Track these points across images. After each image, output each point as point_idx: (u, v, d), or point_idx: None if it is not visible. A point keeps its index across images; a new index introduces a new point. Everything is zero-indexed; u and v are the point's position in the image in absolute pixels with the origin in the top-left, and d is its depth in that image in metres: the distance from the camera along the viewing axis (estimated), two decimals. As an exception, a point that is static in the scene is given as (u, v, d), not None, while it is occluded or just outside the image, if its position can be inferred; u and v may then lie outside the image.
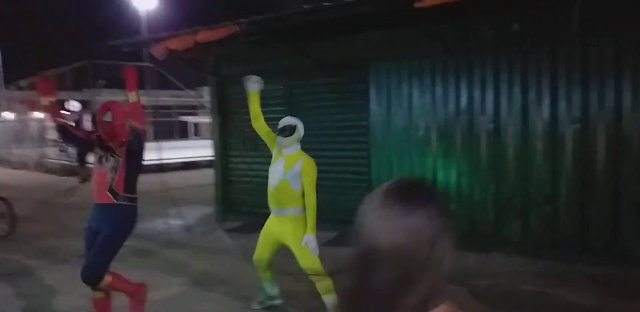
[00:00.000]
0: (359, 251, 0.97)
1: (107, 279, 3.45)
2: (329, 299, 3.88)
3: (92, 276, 3.38)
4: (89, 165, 13.78)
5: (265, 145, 7.67)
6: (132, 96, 3.68)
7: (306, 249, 3.86)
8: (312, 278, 3.84)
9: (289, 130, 3.99)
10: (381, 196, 0.98)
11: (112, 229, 3.42)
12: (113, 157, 3.43)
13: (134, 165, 3.48)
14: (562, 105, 5.29)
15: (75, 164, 14.51)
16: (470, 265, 5.36)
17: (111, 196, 3.43)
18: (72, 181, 13.94)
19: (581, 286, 4.63)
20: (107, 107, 3.46)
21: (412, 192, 0.99)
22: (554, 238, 5.40)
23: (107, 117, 3.38)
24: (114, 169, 3.41)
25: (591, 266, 5.01)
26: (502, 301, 4.41)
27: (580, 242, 5.25)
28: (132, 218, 3.57)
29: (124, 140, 3.43)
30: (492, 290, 4.66)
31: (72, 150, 14.33)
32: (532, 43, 5.40)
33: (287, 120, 4.09)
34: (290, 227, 3.92)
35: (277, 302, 4.38)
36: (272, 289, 4.31)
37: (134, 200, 3.55)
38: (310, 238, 3.87)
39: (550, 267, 5.13)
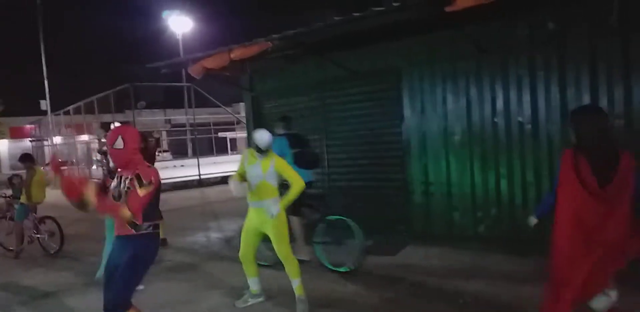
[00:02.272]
0: None
1: None
2: (297, 281, 4.42)
3: (123, 304, 3.27)
4: None
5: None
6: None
7: (283, 237, 4.40)
8: (284, 262, 4.40)
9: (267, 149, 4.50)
10: None
11: (132, 258, 3.26)
12: (127, 189, 3.20)
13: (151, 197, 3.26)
14: (603, 102, 5.13)
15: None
16: (512, 270, 5.22)
17: (130, 227, 3.26)
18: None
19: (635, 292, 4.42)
20: (118, 132, 3.26)
21: None
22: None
23: (118, 144, 3.20)
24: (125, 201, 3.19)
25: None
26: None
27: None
28: (153, 245, 3.39)
29: (136, 169, 3.21)
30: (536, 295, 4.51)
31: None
32: (569, 40, 5.28)
33: (261, 141, 4.46)
34: (266, 215, 4.37)
35: (260, 299, 4.70)
36: (256, 285, 4.67)
37: (156, 227, 3.39)
38: (274, 201, 4.39)
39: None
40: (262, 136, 4.44)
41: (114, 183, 3.34)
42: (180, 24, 29.39)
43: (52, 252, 7.56)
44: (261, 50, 6.37)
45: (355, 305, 4.56)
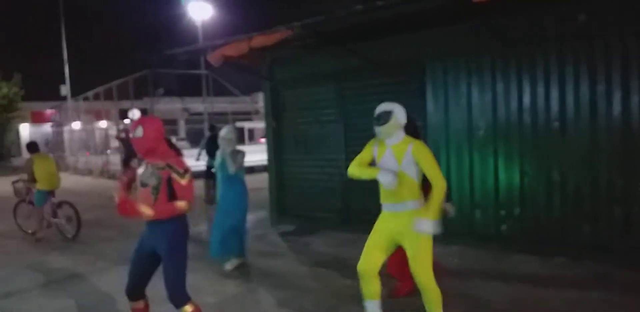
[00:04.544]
0: None
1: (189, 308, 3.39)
2: None
3: (180, 298, 3.36)
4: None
5: (316, 148, 7.67)
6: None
7: (423, 254, 3.44)
8: (421, 290, 3.49)
9: (384, 118, 3.52)
10: None
11: (167, 247, 3.34)
12: (154, 175, 3.32)
13: (173, 188, 3.33)
14: (635, 99, 4.93)
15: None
16: (536, 270, 5.09)
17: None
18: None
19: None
20: (139, 122, 3.40)
21: None
22: (626, 242, 5.04)
23: (139, 133, 3.33)
24: (156, 189, 3.31)
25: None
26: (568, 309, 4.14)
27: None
28: (184, 229, 3.46)
29: (166, 160, 3.34)
30: (560, 298, 4.39)
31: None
32: (600, 34, 5.08)
33: (382, 107, 3.60)
34: (409, 224, 3.43)
35: None
36: (379, 310, 3.68)
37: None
38: (425, 222, 3.35)
39: (621, 273, 4.78)
40: (384, 107, 3.60)
41: (141, 170, 3.44)
42: (200, 11, 29.29)
43: (69, 236, 7.64)
44: (281, 38, 6.25)
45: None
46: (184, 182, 3.30)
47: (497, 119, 5.81)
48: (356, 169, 3.65)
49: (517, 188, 5.70)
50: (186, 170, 3.35)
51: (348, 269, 5.06)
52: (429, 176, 3.44)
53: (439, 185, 3.39)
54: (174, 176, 3.30)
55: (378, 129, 3.54)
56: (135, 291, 3.55)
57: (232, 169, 5.54)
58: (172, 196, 3.34)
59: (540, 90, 5.50)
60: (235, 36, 6.89)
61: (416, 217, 3.40)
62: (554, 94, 5.41)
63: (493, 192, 5.88)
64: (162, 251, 3.36)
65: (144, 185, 3.38)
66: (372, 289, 3.61)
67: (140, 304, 3.61)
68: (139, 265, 3.49)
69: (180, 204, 3.29)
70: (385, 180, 3.39)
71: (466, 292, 4.54)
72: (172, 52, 7.90)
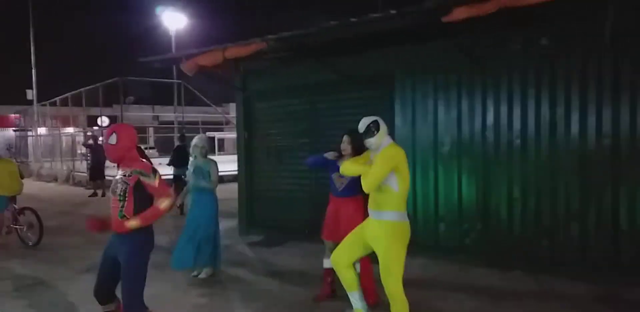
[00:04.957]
0: None
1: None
2: None
3: (135, 308, 3.37)
4: (101, 180, 14.12)
5: (288, 160, 7.74)
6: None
7: (393, 264, 3.53)
8: (389, 299, 3.58)
9: (374, 127, 3.64)
10: None
11: (126, 256, 3.35)
12: (122, 183, 3.39)
13: (143, 193, 3.40)
14: (591, 120, 5.19)
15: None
16: (495, 283, 5.25)
17: (122, 222, 3.37)
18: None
19: (610, 308, 4.48)
20: (114, 129, 3.46)
21: None
22: (583, 256, 5.25)
23: (112, 140, 3.40)
24: (123, 196, 3.37)
25: (621, 287, 4.85)
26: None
27: (610, 262, 5.09)
28: (147, 240, 3.47)
29: (133, 166, 3.40)
30: (514, 309, 4.54)
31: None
32: (561, 56, 5.34)
33: (365, 121, 3.70)
34: (383, 234, 3.57)
35: None
36: (359, 302, 3.89)
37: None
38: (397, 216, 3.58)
39: (579, 286, 4.98)
40: (366, 120, 3.71)
41: (113, 186, 3.48)
42: (173, 21, 29.19)
43: (30, 244, 7.46)
44: (256, 50, 6.35)
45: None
46: (155, 182, 3.38)
47: (462, 135, 6.01)
48: (350, 164, 3.82)
49: (480, 203, 5.88)
50: (154, 171, 3.43)
51: (317, 280, 5.12)
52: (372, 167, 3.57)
53: (365, 180, 3.53)
54: (143, 179, 3.37)
55: (371, 141, 3.64)
56: (102, 293, 3.55)
57: (211, 185, 5.65)
58: (143, 199, 3.39)
59: (504, 108, 5.72)
60: (207, 46, 6.96)
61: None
62: (517, 112, 5.64)
63: (457, 206, 6.05)
64: (122, 260, 3.37)
65: (113, 192, 3.45)
66: (347, 280, 3.84)
67: (110, 307, 3.60)
68: (104, 267, 3.51)
69: (161, 202, 3.38)
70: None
71: (430, 303, 4.65)
72: (146, 60, 7.90)
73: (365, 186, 3.55)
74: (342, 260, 3.84)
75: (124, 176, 3.41)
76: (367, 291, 4.28)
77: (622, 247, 5.05)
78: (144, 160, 3.57)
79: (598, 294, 4.80)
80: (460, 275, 5.56)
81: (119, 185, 3.40)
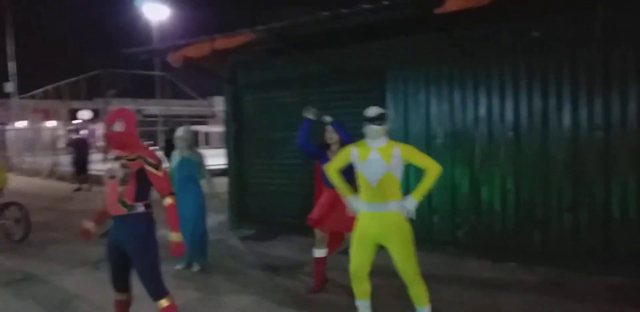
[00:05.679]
0: None
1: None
2: (426, 309, 3.68)
3: (156, 292, 3.39)
4: (85, 174, 13.94)
5: (278, 153, 7.69)
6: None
7: (410, 252, 3.61)
8: (408, 284, 3.67)
9: (383, 118, 3.70)
10: None
11: (136, 245, 3.32)
12: (123, 167, 3.31)
13: (142, 180, 3.35)
14: (583, 112, 5.22)
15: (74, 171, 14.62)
16: (490, 275, 5.28)
17: (122, 207, 3.32)
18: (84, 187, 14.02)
19: (603, 298, 4.53)
20: (117, 116, 3.35)
21: None
22: (575, 249, 5.30)
23: (118, 127, 3.30)
24: (124, 180, 3.31)
25: (613, 277, 4.91)
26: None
27: (603, 253, 5.14)
28: (148, 223, 3.43)
29: (137, 152, 3.32)
30: (513, 302, 4.57)
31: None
32: (553, 49, 5.36)
33: (375, 109, 3.73)
34: (393, 225, 3.62)
35: None
36: (367, 310, 3.87)
37: (148, 206, 3.44)
38: (411, 200, 3.66)
39: (571, 278, 5.02)
40: (377, 109, 3.73)
41: (110, 165, 3.39)
42: (155, 12, 28.75)
43: (16, 239, 7.32)
44: (245, 41, 6.23)
45: (328, 305, 4.52)
46: (160, 173, 3.33)
47: (454, 128, 6.01)
48: (335, 176, 3.87)
49: (473, 195, 5.90)
50: (159, 161, 3.36)
51: (308, 274, 5.10)
52: (425, 166, 3.72)
53: (434, 168, 3.69)
54: (148, 168, 3.31)
55: (375, 128, 3.66)
56: (118, 283, 3.53)
57: (207, 176, 5.72)
58: (143, 187, 3.34)
59: (496, 101, 5.73)
60: (192, 38, 6.83)
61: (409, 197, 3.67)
62: (509, 105, 5.65)
63: (450, 199, 6.06)
64: (130, 250, 3.33)
65: (112, 177, 3.34)
66: (362, 289, 3.81)
67: (122, 296, 3.57)
68: (112, 259, 3.47)
69: (168, 201, 3.37)
70: (350, 206, 3.78)
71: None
72: (130, 52, 7.74)
73: (439, 169, 3.70)
74: (365, 269, 3.76)
75: (129, 160, 3.31)
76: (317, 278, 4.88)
77: (614, 238, 5.10)
78: (146, 147, 3.48)
79: (592, 284, 4.85)
80: (454, 267, 5.58)
81: (120, 168, 3.31)
